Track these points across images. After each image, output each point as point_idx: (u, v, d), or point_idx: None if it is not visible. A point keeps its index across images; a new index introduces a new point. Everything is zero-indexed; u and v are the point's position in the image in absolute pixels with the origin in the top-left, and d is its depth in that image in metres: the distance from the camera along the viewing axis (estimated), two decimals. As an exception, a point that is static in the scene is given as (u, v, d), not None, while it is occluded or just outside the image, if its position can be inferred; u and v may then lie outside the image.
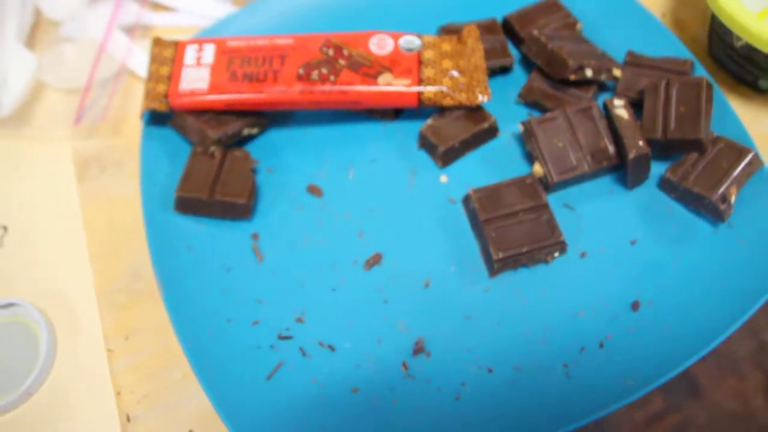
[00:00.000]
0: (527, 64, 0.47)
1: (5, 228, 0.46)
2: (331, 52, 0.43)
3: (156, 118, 0.45)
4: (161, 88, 0.44)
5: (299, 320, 0.39)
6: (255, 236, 0.42)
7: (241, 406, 0.35)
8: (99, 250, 0.44)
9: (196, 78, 0.43)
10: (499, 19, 0.48)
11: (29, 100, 0.50)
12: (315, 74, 0.43)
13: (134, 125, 0.48)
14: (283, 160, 0.44)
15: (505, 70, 0.46)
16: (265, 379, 0.37)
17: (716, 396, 0.38)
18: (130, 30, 0.52)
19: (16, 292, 0.42)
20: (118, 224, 0.44)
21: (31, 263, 0.44)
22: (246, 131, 0.44)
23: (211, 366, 0.36)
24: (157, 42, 0.46)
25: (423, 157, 0.44)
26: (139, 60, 0.50)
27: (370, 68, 0.43)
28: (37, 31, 0.54)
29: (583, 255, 0.39)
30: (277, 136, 0.45)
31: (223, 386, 0.36)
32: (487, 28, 0.47)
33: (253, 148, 0.45)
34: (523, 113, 0.45)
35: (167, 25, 0.53)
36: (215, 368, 0.36)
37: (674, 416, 0.37)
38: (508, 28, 0.47)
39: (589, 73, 0.43)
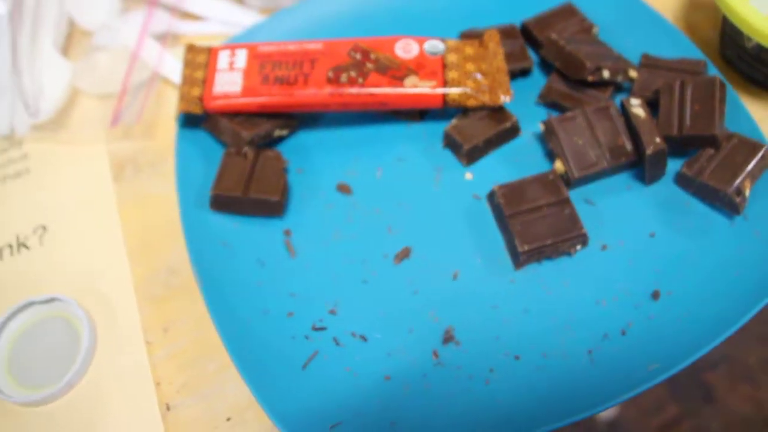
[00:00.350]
0: (546, 66, 0.49)
1: (44, 227, 0.47)
2: (359, 56, 0.45)
3: (190, 121, 0.47)
4: (196, 91, 0.46)
5: (332, 312, 0.40)
6: (287, 232, 0.43)
7: (279, 393, 0.37)
8: (136, 248, 0.45)
9: (229, 81, 0.45)
10: (518, 24, 0.50)
11: (65, 105, 0.52)
12: (344, 77, 0.44)
13: (167, 128, 0.50)
14: (312, 160, 0.46)
15: (524, 72, 0.48)
16: (301, 368, 0.38)
17: (730, 402, 0.39)
18: (162, 38, 0.54)
19: (57, 289, 0.44)
20: (153, 223, 0.46)
21: (71, 261, 0.46)
22: (277, 132, 0.46)
23: (249, 356, 0.38)
24: (191, 48, 0.48)
25: (448, 156, 0.45)
26: (171, 66, 0.52)
27: (396, 71, 0.44)
28: (71, 41, 0.56)
29: (604, 247, 0.41)
30: (306, 137, 0.47)
31: (261, 375, 0.37)
32: (506, 33, 0.49)
33: (283, 149, 0.47)
34: (543, 113, 0.47)
35: (196, 33, 0.55)
36: (253, 358, 0.38)
37: (689, 422, 0.39)
38: (526, 32, 0.49)
39: (606, 74, 0.45)
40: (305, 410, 0.37)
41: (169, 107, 0.51)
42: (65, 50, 0.55)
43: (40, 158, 0.51)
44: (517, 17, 0.50)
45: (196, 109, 0.46)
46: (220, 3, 0.55)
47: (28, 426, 0.40)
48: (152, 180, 0.48)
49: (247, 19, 0.54)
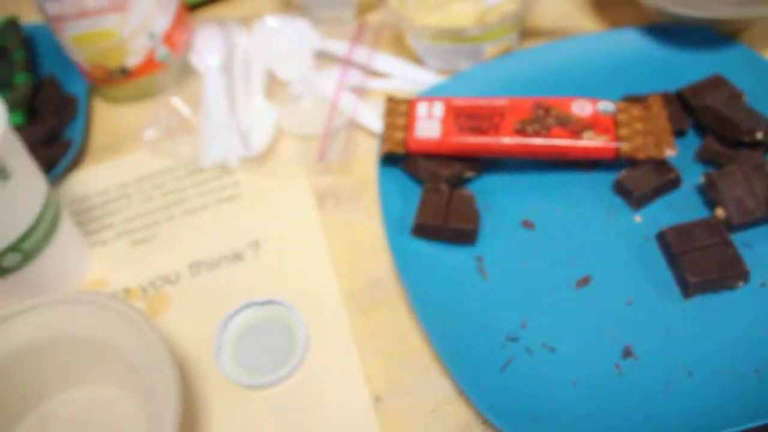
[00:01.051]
0: (698, 128, 0.55)
1: (257, 244, 0.55)
2: (541, 111, 0.53)
3: (388, 160, 0.55)
4: (399, 135, 0.54)
5: (523, 326, 0.47)
6: (479, 259, 0.50)
7: (483, 389, 0.43)
8: (340, 265, 0.53)
9: (428, 128, 0.53)
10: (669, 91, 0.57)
11: (271, 143, 0.61)
12: (530, 129, 0.52)
13: (361, 166, 0.58)
14: (497, 200, 0.53)
15: (681, 133, 0.55)
16: (500, 371, 0.45)
17: None
18: (355, 91, 0.62)
19: (270, 296, 0.51)
20: (355, 244, 0.53)
21: (282, 273, 0.53)
22: (466, 174, 0.54)
23: (456, 358, 0.44)
24: (391, 99, 0.56)
25: (618, 201, 0.52)
26: (364, 114, 0.60)
27: (575, 126, 0.52)
28: (271, 89, 0.65)
29: (763, 284, 0.47)
30: (490, 180, 0.55)
31: (467, 374, 0.44)
32: (664, 99, 0.56)
33: (471, 189, 0.54)
34: (699, 169, 0.53)
35: (382, 88, 0.64)
36: (459, 360, 0.44)
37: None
38: (681, 99, 0.56)
39: (759, 135, 0.51)
40: (506, 404, 0.43)
41: (361, 149, 0.60)
42: (267, 97, 0.64)
43: (248, 186, 0.59)
44: (671, 85, 0.58)
45: (400, 150, 0.54)
46: (403, 64, 0.64)
47: (254, 405, 0.47)
48: (352, 210, 0.56)
49: (426, 78, 0.63)
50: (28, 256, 0.51)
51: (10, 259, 0.50)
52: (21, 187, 0.48)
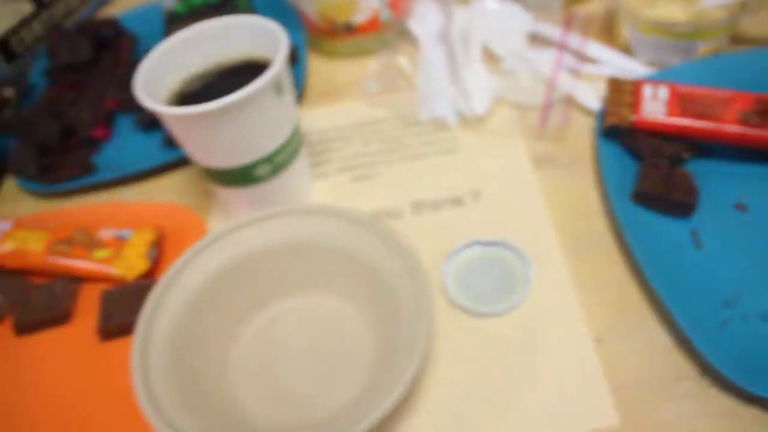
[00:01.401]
0: None
1: (477, 193, 0.60)
2: (763, 106, 0.57)
3: (605, 134, 0.60)
4: (624, 111, 0.59)
5: (738, 296, 0.51)
6: (694, 232, 0.55)
7: (704, 340, 0.47)
8: (557, 221, 0.57)
9: (654, 108, 0.58)
10: None
11: (489, 109, 0.66)
12: (752, 119, 0.56)
13: (575, 138, 0.63)
14: (708, 181, 0.58)
15: None
16: (719, 328, 0.49)
17: None
18: (569, 71, 0.67)
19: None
20: (572, 205, 0.58)
21: (501, 220, 0.58)
22: (684, 154, 0.58)
23: (679, 309, 0.49)
24: (614, 80, 0.61)
25: (826, 197, 0.56)
26: (581, 92, 0.65)
27: (795, 121, 0.56)
28: (485, 62, 0.71)
29: None
30: (702, 163, 0.59)
31: (690, 325, 0.48)
32: None
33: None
34: None
35: (592, 72, 0.68)
36: (682, 311, 0.49)
37: None
38: None
39: None
40: (726, 354, 0.47)
41: (575, 122, 0.65)
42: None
43: (466, 143, 0.65)
44: None
45: (624, 124, 0.58)
46: (613, 53, 0.69)
47: (477, 333, 0.51)
48: (567, 175, 0.61)
49: (634, 68, 0.68)
50: (276, 170, 0.57)
51: (263, 169, 0.56)
52: (286, 105, 0.55)
